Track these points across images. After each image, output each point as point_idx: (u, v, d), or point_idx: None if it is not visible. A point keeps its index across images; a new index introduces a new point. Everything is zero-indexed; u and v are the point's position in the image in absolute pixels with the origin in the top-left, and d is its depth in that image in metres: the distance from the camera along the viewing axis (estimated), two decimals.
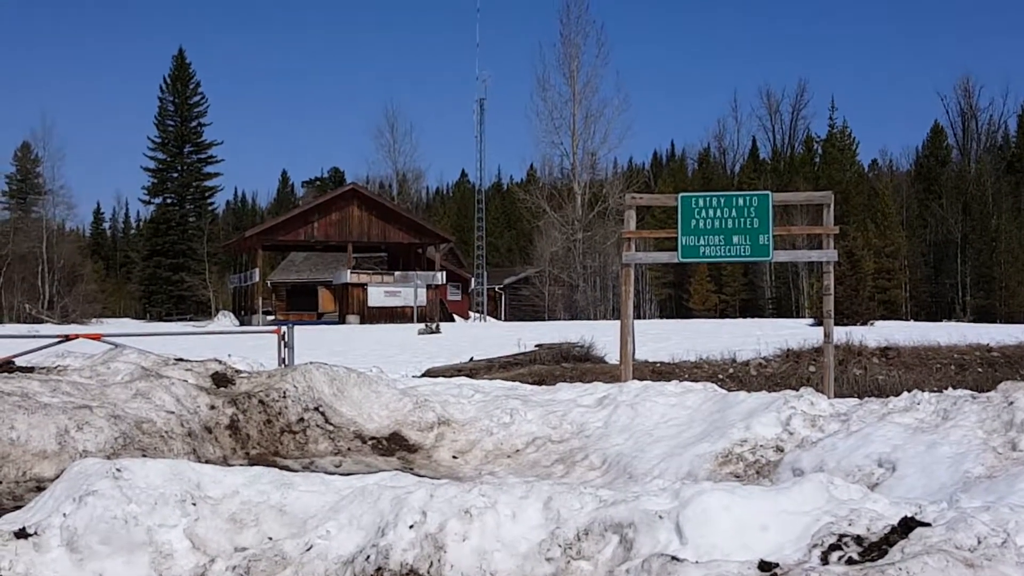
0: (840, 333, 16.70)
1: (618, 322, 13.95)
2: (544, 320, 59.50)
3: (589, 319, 57.74)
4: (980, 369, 16.60)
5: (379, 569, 4.99)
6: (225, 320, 58.96)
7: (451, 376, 15.21)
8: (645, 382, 11.48)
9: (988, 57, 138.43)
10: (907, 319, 61.34)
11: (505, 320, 66.50)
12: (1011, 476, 6.52)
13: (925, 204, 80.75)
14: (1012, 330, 27.56)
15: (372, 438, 9.94)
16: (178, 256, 79.20)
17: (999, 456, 7.06)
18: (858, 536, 4.48)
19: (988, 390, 8.88)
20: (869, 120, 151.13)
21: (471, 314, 67.16)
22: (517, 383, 13.19)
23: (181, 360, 11.02)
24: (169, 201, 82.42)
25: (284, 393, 10.00)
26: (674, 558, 4.47)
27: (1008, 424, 7.66)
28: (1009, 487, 6.29)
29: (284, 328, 14.71)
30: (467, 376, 14.98)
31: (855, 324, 33.66)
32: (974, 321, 56.55)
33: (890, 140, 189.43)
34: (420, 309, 54.39)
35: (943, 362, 16.97)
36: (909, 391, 9.25)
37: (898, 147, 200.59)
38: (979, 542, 4.25)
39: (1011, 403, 7.95)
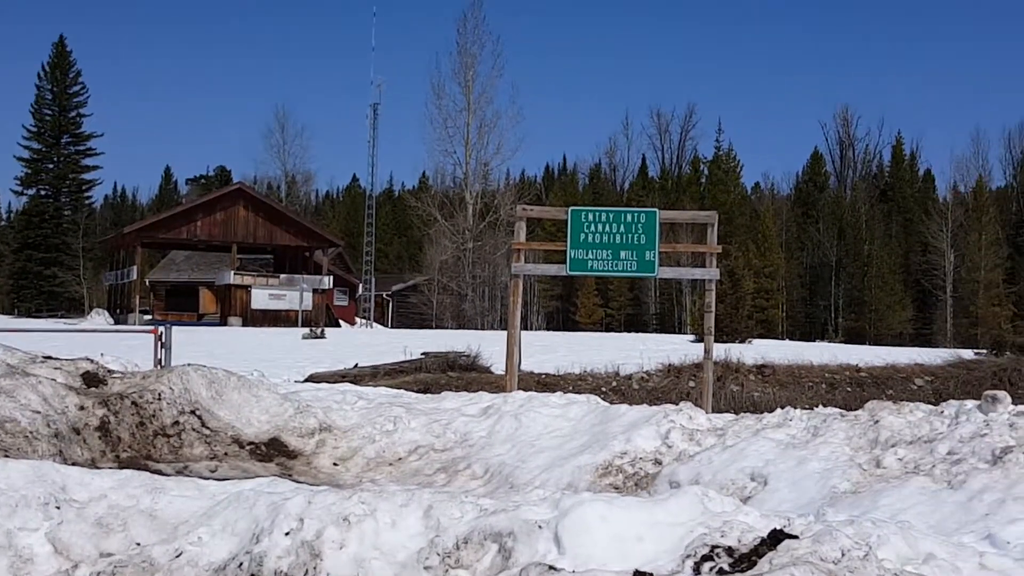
0: (720, 350, 17.01)
1: (505, 333, 13.99)
2: (431, 328, 59.37)
3: (476, 329, 57.81)
4: (849, 388, 17.09)
5: None
6: (99, 318, 57.33)
7: (335, 382, 15.06)
8: (530, 393, 11.52)
9: (866, 89, 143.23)
10: (783, 338, 62.87)
11: (392, 327, 66.18)
12: (875, 492, 6.73)
13: (803, 227, 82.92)
14: (880, 351, 28.48)
15: (251, 443, 9.78)
16: (51, 250, 76.53)
17: (864, 472, 7.27)
18: (729, 547, 4.56)
19: (856, 409, 9.14)
20: (753, 144, 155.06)
21: (358, 320, 66.65)
22: (402, 391, 13.13)
23: (50, 358, 10.68)
24: (43, 193, 79.59)
25: (159, 395, 9.77)
26: (552, 568, 4.49)
27: (873, 442, 7.90)
28: (873, 502, 6.48)
29: (161, 328, 14.41)
30: (351, 382, 14.85)
31: (734, 341, 34.35)
32: (845, 342, 58.21)
33: (772, 164, 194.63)
34: (305, 313, 53.78)
35: (815, 381, 17.42)
36: (782, 408, 9.47)
37: (780, 171, 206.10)
38: (843, 555, 4.37)
39: (877, 422, 8.21)
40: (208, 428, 9.71)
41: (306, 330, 39.83)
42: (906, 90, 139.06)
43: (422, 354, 20.49)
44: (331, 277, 60.39)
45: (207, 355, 19.51)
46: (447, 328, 59.79)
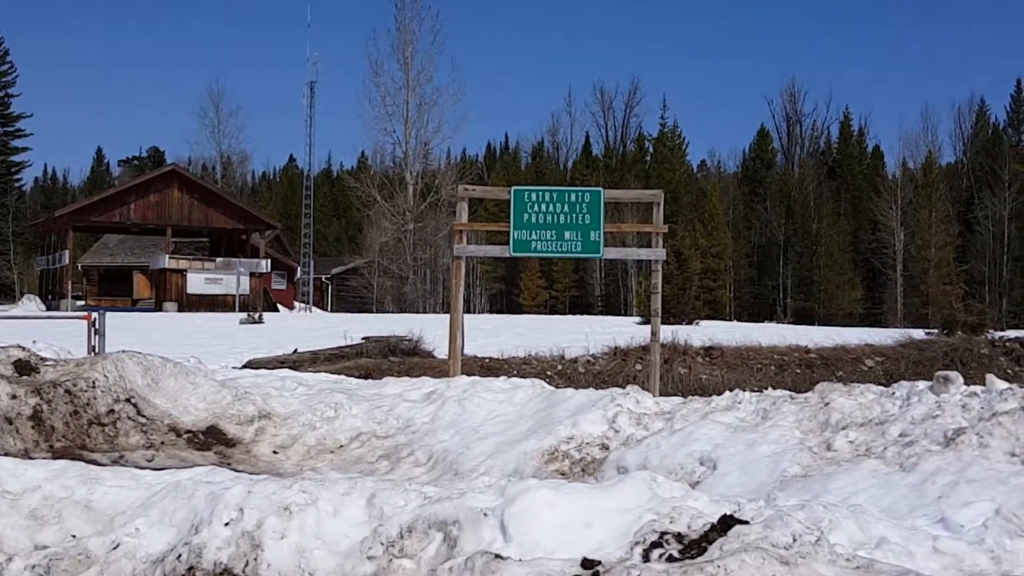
0: (667, 332, 17.13)
1: (448, 316, 13.98)
2: (372, 312, 59.18)
3: (418, 312, 57.72)
4: (799, 370, 17.29)
5: (191, 568, 4.86)
6: (30, 304, 56.47)
7: (274, 368, 14.98)
8: (473, 378, 11.54)
9: (813, 64, 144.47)
10: (731, 319, 63.45)
11: (332, 311, 65.83)
12: (826, 475, 6.82)
13: (751, 206, 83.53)
14: (829, 332, 28.83)
15: (188, 432, 9.70)
16: None
17: (815, 456, 7.37)
18: (679, 534, 4.60)
19: (806, 391, 9.26)
20: (699, 121, 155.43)
21: (296, 304, 66.22)
22: (342, 376, 13.09)
23: None
24: None
25: (93, 383, 9.66)
26: (498, 556, 4.50)
27: (824, 424, 8.01)
28: (823, 486, 6.57)
29: (95, 314, 14.23)
30: (290, 368, 14.77)
31: (681, 323, 34.62)
32: (794, 323, 58.93)
33: (719, 141, 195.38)
34: (243, 298, 53.32)
35: (764, 362, 17.60)
36: (731, 391, 9.57)
37: (726, 148, 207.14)
38: (794, 540, 4.43)
39: (827, 404, 8.32)
40: (144, 416, 9.61)
41: (244, 315, 39.52)
42: (854, 65, 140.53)
43: (363, 339, 20.42)
44: (269, 260, 59.95)
45: (142, 341, 19.29)
46: (388, 312, 59.64)
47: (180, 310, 51.69)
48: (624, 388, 9.96)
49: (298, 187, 79.61)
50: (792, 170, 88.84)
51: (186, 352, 16.18)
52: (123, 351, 10.58)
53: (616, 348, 18.29)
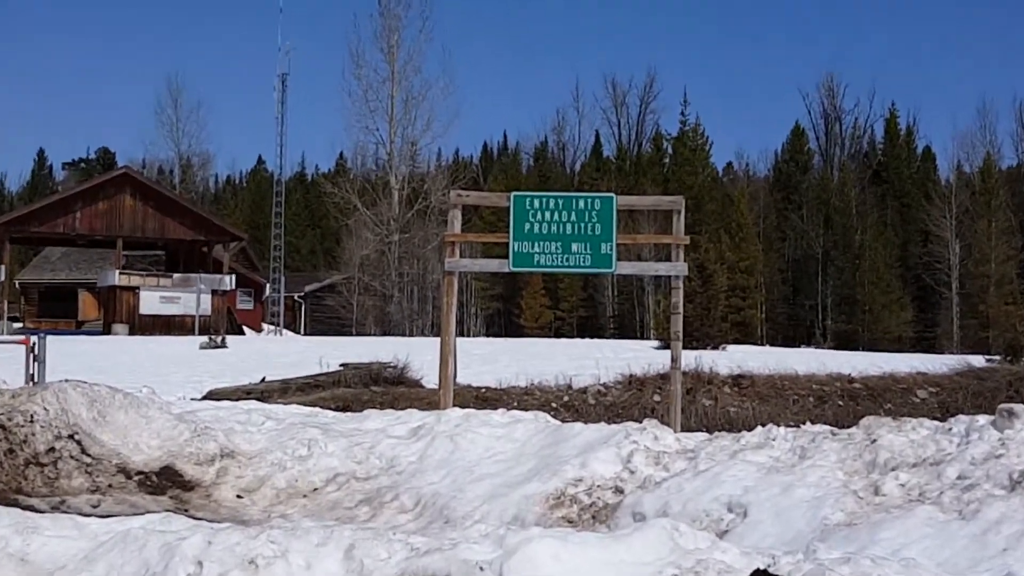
0: (689, 358, 17.10)
1: (438, 339, 13.96)
2: (351, 335, 59.10)
3: (404, 335, 57.65)
4: (841, 402, 17.26)
5: None
6: None
7: (238, 399, 14.94)
8: (467, 410, 11.51)
9: (853, 54, 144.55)
10: (762, 343, 63.41)
11: (305, 334, 65.79)
12: (873, 524, 6.77)
13: (784, 215, 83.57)
14: (875, 358, 28.78)
15: (140, 473, 9.66)
16: None
17: (860, 501, 7.32)
18: None
19: (849, 426, 9.22)
20: (725, 118, 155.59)
21: (265, 326, 66.20)
22: (317, 409, 13.06)
23: None
24: None
25: (31, 416, 9.62)
26: None
27: (870, 465, 7.96)
28: (871, 536, 6.52)
29: (34, 338, 14.19)
30: (258, 400, 14.74)
31: (706, 348, 34.56)
32: (835, 348, 58.83)
33: (747, 141, 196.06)
34: (203, 319, 53.27)
35: (801, 393, 17.57)
36: (763, 425, 9.53)
37: (756, 149, 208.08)
38: None
39: (874, 441, 8.27)
40: (89, 455, 9.58)
41: (204, 338, 39.48)
42: (900, 55, 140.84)
43: (341, 365, 20.40)
44: (233, 276, 59.92)
45: (88, 369, 19.24)
46: (370, 335, 59.57)
47: (132, 333, 51.66)
48: (640, 422, 9.92)
49: (267, 193, 79.60)
50: (831, 174, 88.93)
51: (138, 381, 16.12)
52: (66, 380, 10.56)
53: (631, 376, 18.26)
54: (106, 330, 53.29)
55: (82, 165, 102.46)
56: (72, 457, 9.51)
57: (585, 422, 10.99)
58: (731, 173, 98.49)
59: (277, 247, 67.07)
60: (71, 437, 9.65)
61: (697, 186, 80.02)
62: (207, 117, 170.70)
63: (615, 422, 11.21)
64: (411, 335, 59.09)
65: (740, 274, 74.57)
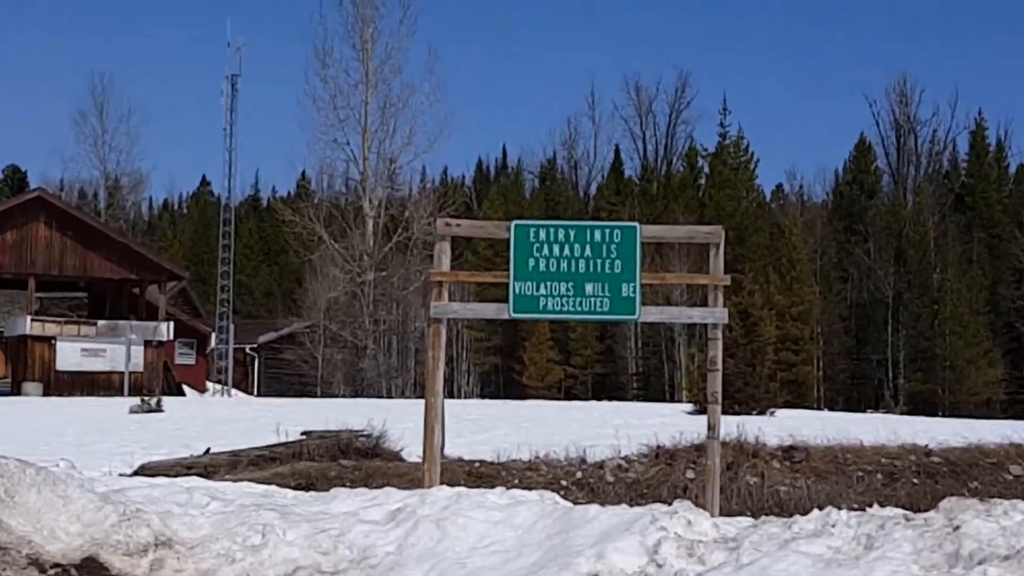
0: (730, 425, 17.07)
1: (422, 402, 13.96)
2: (316, 397, 59.09)
3: (380, 397, 57.68)
4: (916, 480, 17.24)
5: None
6: None
7: (177, 476, 14.94)
8: (458, 489, 11.50)
9: (932, 54, 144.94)
10: (819, 407, 63.43)
11: (260, 395, 65.79)
12: None
13: (846, 249, 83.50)
14: (959, 426, 28.70)
15: (56, 565, 9.66)
16: None
17: None
18: None
19: (926, 509, 9.22)
20: (773, 130, 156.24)
21: (210, 385, 66.17)
22: (274, 487, 13.05)
23: None
24: None
25: None
26: None
27: (953, 557, 7.96)
28: None
29: None
30: (201, 476, 14.74)
31: (751, 413, 34.56)
32: (909, 413, 58.73)
33: (801, 158, 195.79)
34: (135, 376, 53.27)
35: (866, 469, 17.55)
36: (821, 508, 9.52)
37: (811, 168, 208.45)
38: None
39: (956, 528, 8.28)
40: None
41: (136, 400, 39.42)
42: (988, 53, 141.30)
43: (303, 434, 20.37)
44: (171, 324, 59.88)
45: None
46: (339, 396, 59.53)
47: (47, 393, 51.56)
48: (670, 504, 9.93)
49: (213, 221, 79.87)
50: (904, 198, 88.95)
51: (54, 453, 16.12)
52: None
53: (659, 448, 18.24)
54: (15, 390, 53.17)
55: None
56: None
57: (602, 504, 10.99)
58: (781, 197, 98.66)
59: (225, 288, 67.10)
60: None
61: (740, 213, 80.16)
62: (140, 128, 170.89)
63: (639, 504, 11.20)
64: (389, 396, 59.11)
65: (792, 322, 74.50)
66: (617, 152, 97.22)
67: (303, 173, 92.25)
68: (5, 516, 9.95)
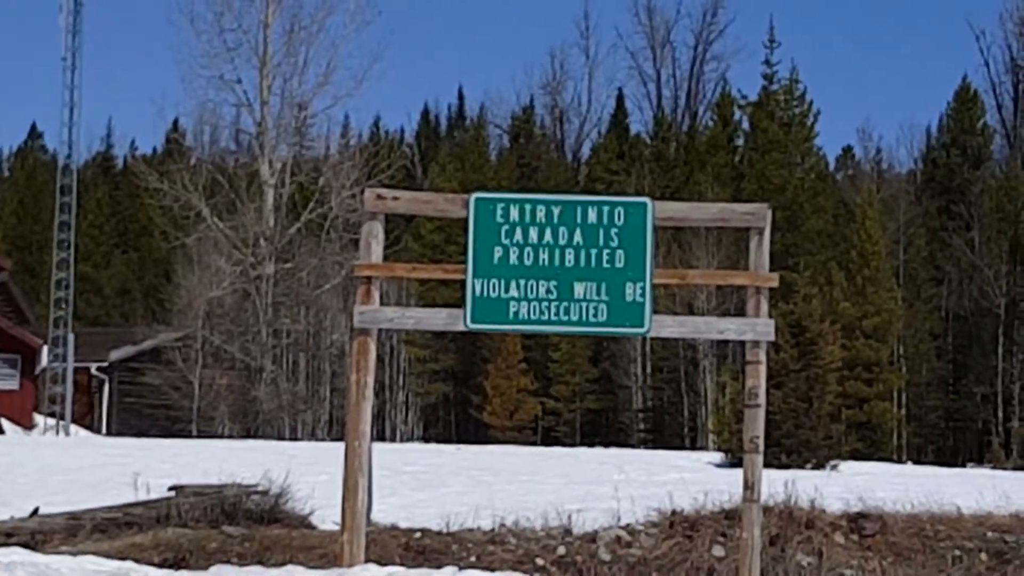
0: (776, 483, 17.16)
1: (341, 446, 13.98)
2: (190, 437, 59.07)
3: (282, 438, 57.68)
4: None
5: None
6: None
7: None
8: (390, 568, 11.57)
9: None
10: (901, 460, 63.62)
11: (111, 434, 65.71)
12: None
13: (941, 239, 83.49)
14: None
15: None
16: None
17: None
18: None
19: None
20: (839, 72, 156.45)
21: (39, 419, 66.09)
22: (130, 564, 13.06)
23: None
24: None
25: None
26: None
27: None
28: None
29: None
30: (26, 547, 14.73)
31: (805, 467, 34.69)
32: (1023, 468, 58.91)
33: (879, 112, 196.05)
34: None
35: (966, 547, 17.66)
36: None
37: (892, 127, 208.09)
38: None
39: None
40: None
41: None
42: None
43: (171, 489, 20.40)
44: None
45: None
46: (223, 436, 59.52)
47: None
48: None
49: (46, 189, 79.87)
50: (1020, 169, 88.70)
51: None
52: None
53: (674, 514, 18.32)
54: None
55: None
56: None
57: None
58: (851, 166, 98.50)
59: (63, 283, 67.09)
60: None
61: (792, 187, 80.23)
62: None
63: None
64: (294, 438, 59.17)
65: (865, 340, 74.54)
66: (620, 99, 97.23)
67: (175, 123, 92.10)
68: None
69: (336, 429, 60.69)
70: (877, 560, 17.00)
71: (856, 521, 18.23)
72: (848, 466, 39.86)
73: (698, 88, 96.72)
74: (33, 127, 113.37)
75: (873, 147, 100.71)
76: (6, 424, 61.11)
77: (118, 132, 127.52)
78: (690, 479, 26.73)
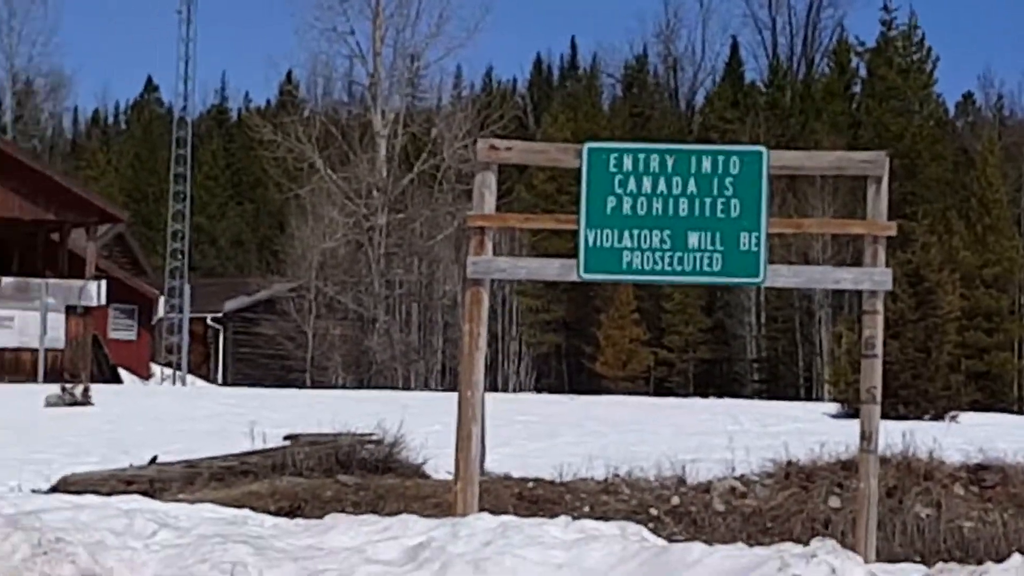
0: (893, 434, 17.05)
1: (454, 396, 13.99)
2: (304, 387, 59.23)
3: (395, 388, 57.73)
4: None
5: None
6: None
7: (112, 493, 15.03)
8: (504, 518, 11.54)
9: None
10: (1022, 411, 62.87)
11: (226, 383, 66.04)
12: None
13: None
14: None
15: None
16: None
17: None
18: None
19: None
20: (961, 18, 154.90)
21: (157, 369, 66.45)
22: (246, 512, 13.12)
23: None
24: None
25: None
26: None
27: None
28: None
29: None
30: (145, 495, 14.83)
31: (923, 417, 34.43)
32: None
33: (1000, 58, 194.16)
34: (53, 356, 53.61)
35: None
36: (1023, 552, 9.51)
37: (1016, 73, 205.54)
38: None
39: None
40: None
41: (55, 389, 39.70)
42: None
43: (286, 439, 20.50)
44: (103, 283, 60.11)
45: None
46: (337, 386, 59.63)
47: None
48: (807, 545, 9.94)
49: (162, 142, 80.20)
50: None
51: None
52: None
53: (789, 465, 18.26)
54: None
55: None
56: None
57: (709, 542, 11.02)
58: (971, 112, 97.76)
59: (179, 235, 67.39)
60: None
61: (911, 135, 79.62)
62: (63, 15, 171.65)
63: (761, 543, 11.22)
64: (407, 388, 59.21)
65: (985, 289, 73.88)
66: (735, 47, 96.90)
67: (288, 75, 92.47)
68: None
69: (449, 379, 60.68)
70: (998, 512, 16.85)
71: (976, 472, 18.08)
72: (967, 417, 39.50)
73: (814, 35, 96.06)
74: (149, 80, 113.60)
75: (995, 94, 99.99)
76: (124, 374, 61.43)
77: (232, 85, 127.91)
78: (805, 430, 26.64)
